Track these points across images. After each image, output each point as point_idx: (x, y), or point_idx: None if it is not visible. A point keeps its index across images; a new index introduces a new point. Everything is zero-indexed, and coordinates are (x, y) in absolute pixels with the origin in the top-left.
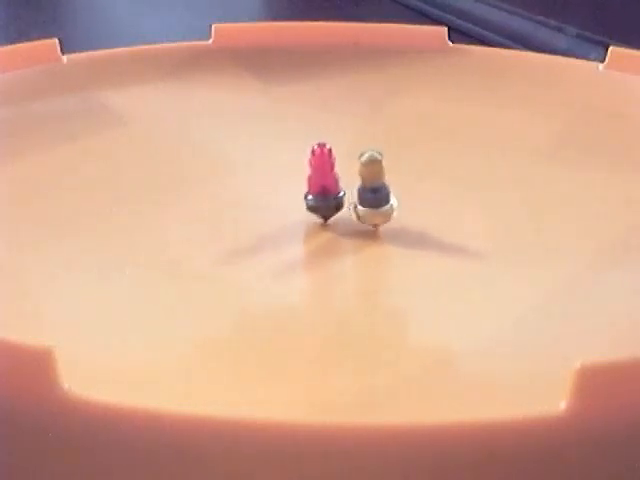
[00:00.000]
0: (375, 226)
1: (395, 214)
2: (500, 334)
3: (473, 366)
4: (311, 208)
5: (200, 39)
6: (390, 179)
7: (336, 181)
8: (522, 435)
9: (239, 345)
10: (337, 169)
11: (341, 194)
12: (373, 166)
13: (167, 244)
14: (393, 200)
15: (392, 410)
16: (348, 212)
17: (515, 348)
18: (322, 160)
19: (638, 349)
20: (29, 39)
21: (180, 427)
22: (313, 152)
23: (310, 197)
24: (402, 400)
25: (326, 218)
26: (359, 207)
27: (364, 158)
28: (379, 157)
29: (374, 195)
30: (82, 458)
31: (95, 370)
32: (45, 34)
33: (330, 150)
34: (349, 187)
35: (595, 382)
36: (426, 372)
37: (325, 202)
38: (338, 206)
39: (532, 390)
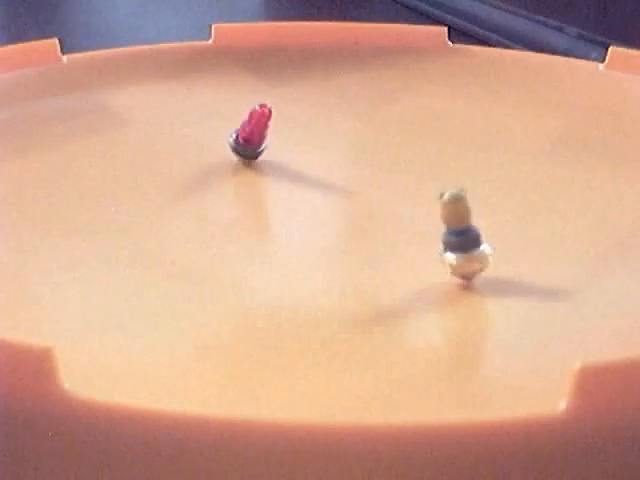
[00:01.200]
0: (468, 277)
1: (490, 260)
2: (500, 334)
3: (473, 366)
4: (234, 150)
5: (200, 39)
6: (390, 178)
7: (262, 136)
8: (522, 435)
9: (239, 345)
10: (337, 168)
11: (262, 148)
12: (458, 205)
13: (167, 244)
14: (486, 246)
15: (392, 410)
16: (358, 210)
17: (515, 348)
18: (260, 117)
19: (638, 349)
20: (29, 39)
21: (180, 427)
22: (254, 110)
23: (234, 139)
24: (402, 400)
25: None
26: (449, 255)
27: (448, 196)
28: (462, 194)
29: (462, 238)
30: (82, 458)
31: (95, 370)
32: (45, 34)
33: (270, 111)
34: (352, 184)
35: (595, 382)
36: (426, 372)
37: (245, 150)
38: (256, 155)
39: (532, 390)
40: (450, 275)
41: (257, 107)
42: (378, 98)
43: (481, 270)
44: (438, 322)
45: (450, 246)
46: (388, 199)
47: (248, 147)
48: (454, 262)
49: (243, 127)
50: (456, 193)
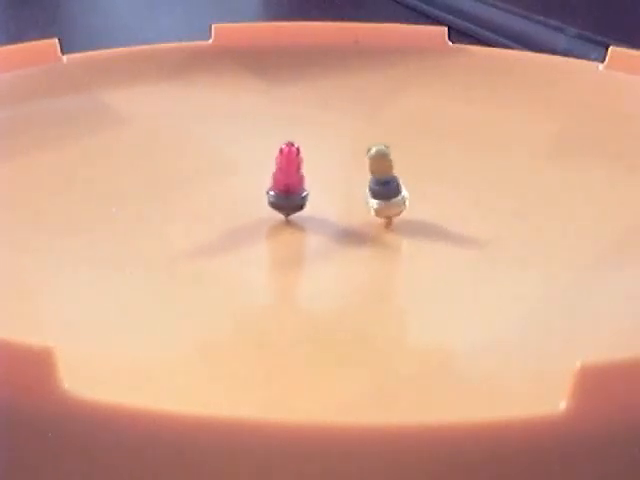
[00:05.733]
0: (388, 219)
1: (407, 204)
2: (500, 334)
3: (473, 366)
4: (273, 205)
5: (200, 39)
6: None
7: (300, 181)
8: (522, 435)
9: (239, 345)
10: (337, 168)
11: (304, 194)
12: (381, 160)
13: (167, 244)
14: (404, 192)
15: (392, 410)
16: (359, 211)
17: (515, 348)
18: (289, 159)
19: (638, 349)
20: (29, 39)
21: (180, 427)
22: (281, 151)
23: (272, 194)
24: (402, 400)
25: (287, 215)
26: (372, 200)
27: (372, 152)
28: (387, 150)
29: (385, 187)
30: (82, 458)
31: (95, 370)
32: (45, 34)
33: (298, 150)
34: (353, 185)
35: (595, 382)
36: (426, 372)
37: (287, 201)
38: (299, 206)
39: (532, 390)
40: (374, 217)
41: (283, 146)
42: (378, 98)
43: (398, 214)
44: (439, 322)
45: (374, 193)
46: None
47: (291, 195)
48: (376, 207)
49: (276, 177)
50: (381, 149)
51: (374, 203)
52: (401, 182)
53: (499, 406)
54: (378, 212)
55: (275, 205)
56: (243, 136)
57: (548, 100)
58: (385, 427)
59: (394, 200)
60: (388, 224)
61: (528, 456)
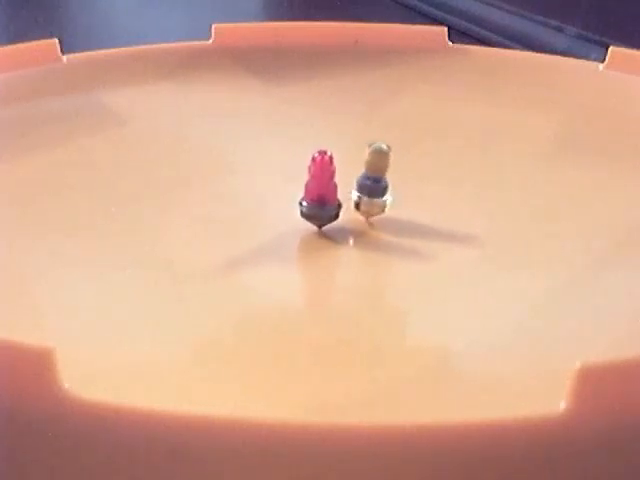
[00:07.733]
0: (368, 217)
1: (388, 209)
2: (500, 334)
3: (473, 366)
4: (306, 216)
5: (200, 39)
6: (390, 178)
7: (334, 190)
8: (522, 435)
9: (239, 345)
10: (337, 168)
11: (337, 204)
12: (379, 157)
13: (167, 244)
14: (389, 196)
15: (392, 410)
16: (346, 212)
17: (515, 348)
18: (322, 168)
19: (638, 349)
20: (29, 39)
21: (179, 427)
22: (313, 159)
23: (305, 204)
24: (402, 400)
25: (320, 226)
26: (354, 192)
27: (372, 147)
28: (387, 149)
29: (373, 184)
30: (82, 458)
31: (95, 370)
32: (45, 34)
33: (331, 158)
34: (352, 185)
35: (595, 382)
36: (426, 372)
37: (321, 211)
38: (334, 216)
39: (532, 390)
40: (374, 217)
41: (316, 154)
42: (378, 98)
43: (378, 214)
44: (439, 322)
45: (360, 186)
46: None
47: (325, 206)
48: (355, 199)
49: (309, 186)
50: (381, 146)
51: (355, 195)
52: (400, 183)
53: (499, 406)
54: (357, 205)
55: (308, 216)
56: (243, 136)
57: (548, 100)
58: (385, 427)
59: (376, 200)
60: (366, 221)
61: (528, 456)
